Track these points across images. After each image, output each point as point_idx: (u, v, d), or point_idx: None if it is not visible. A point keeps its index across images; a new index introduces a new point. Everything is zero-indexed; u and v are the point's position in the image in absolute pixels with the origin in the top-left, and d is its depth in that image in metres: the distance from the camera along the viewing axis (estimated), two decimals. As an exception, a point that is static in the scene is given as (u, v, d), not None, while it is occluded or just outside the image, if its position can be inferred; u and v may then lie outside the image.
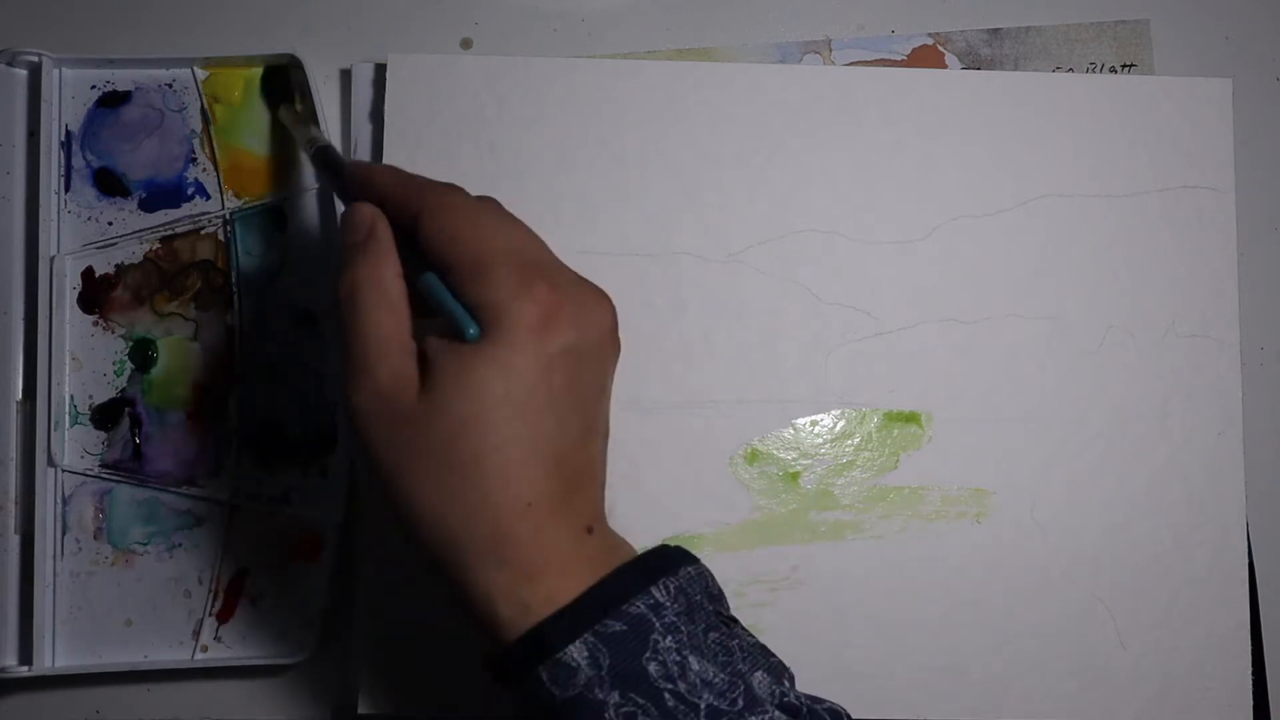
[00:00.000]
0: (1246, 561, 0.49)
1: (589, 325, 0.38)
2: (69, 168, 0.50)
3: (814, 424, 0.49)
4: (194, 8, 0.52)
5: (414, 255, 0.39)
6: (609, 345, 0.40)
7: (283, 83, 0.50)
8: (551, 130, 0.50)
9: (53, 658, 0.49)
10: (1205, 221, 0.50)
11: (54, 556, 0.49)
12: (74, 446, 0.50)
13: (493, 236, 0.39)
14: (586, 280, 0.40)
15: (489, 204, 0.41)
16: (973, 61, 0.52)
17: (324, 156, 0.45)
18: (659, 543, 0.39)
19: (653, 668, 0.35)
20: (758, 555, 0.48)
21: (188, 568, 0.49)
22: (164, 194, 0.50)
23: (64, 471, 0.49)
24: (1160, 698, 0.49)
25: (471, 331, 0.37)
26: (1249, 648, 0.49)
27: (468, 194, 0.40)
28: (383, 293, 0.38)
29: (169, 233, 0.50)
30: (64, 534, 0.49)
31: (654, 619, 0.36)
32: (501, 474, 0.36)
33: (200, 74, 0.51)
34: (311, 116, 0.49)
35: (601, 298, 0.40)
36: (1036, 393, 0.49)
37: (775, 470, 0.49)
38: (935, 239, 0.50)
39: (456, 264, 0.38)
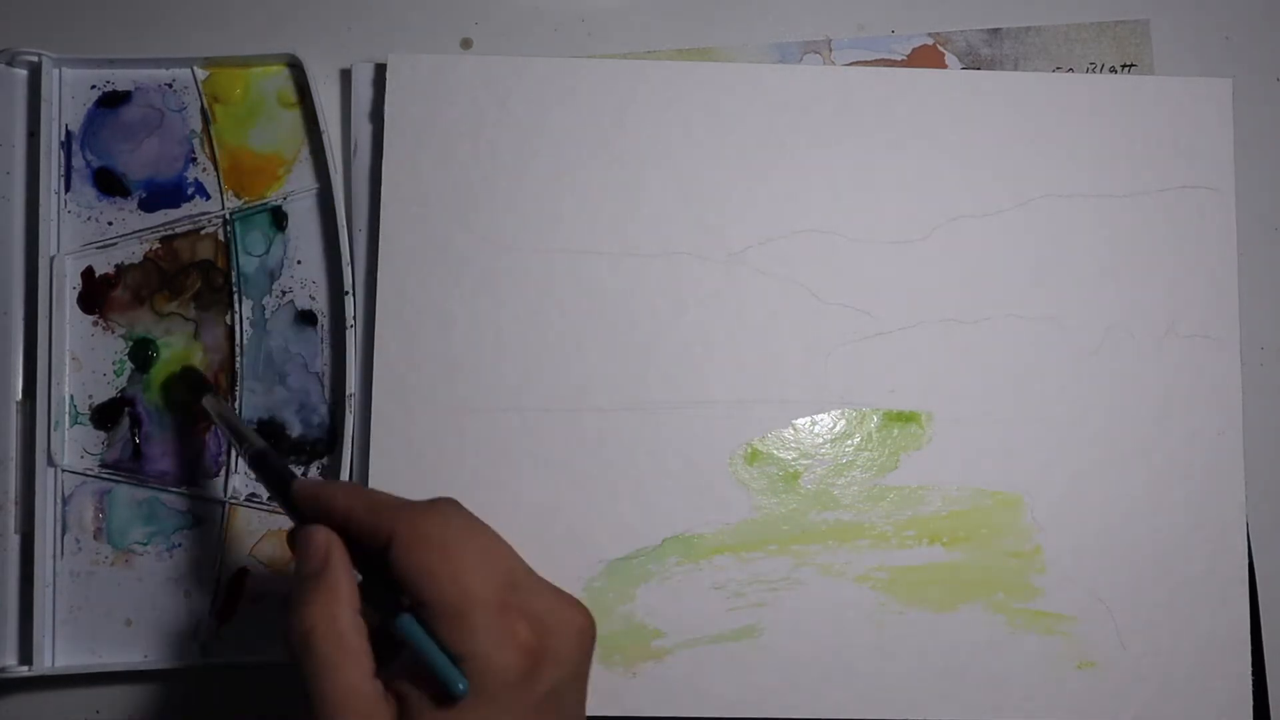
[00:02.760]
0: (1246, 561, 0.49)
1: (570, 651, 0.38)
2: (69, 168, 0.50)
3: (814, 424, 0.49)
4: (194, 8, 0.52)
5: (377, 585, 0.38)
6: (588, 657, 0.39)
7: (196, 377, 0.49)
8: (551, 130, 0.50)
9: (52, 657, 0.49)
10: (1205, 221, 0.50)
11: (54, 556, 0.49)
12: (74, 446, 0.50)
13: (470, 571, 0.37)
14: (561, 593, 0.39)
15: (456, 519, 0.39)
16: (973, 61, 0.52)
17: (261, 463, 0.42)
18: (659, 542, 0.39)
19: None
20: (758, 555, 0.48)
21: (188, 568, 0.49)
22: (164, 194, 0.50)
23: (64, 471, 0.49)
24: (1160, 698, 0.49)
25: (460, 687, 0.36)
26: (1249, 648, 0.49)
27: (438, 513, 0.38)
28: (340, 637, 0.36)
29: (169, 233, 0.50)
30: (64, 534, 0.49)
31: None
32: None
33: (200, 74, 0.51)
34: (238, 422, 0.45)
35: (578, 612, 0.38)
36: (1036, 393, 0.49)
37: (775, 470, 0.49)
38: (935, 239, 0.50)
39: (433, 603, 0.37)
